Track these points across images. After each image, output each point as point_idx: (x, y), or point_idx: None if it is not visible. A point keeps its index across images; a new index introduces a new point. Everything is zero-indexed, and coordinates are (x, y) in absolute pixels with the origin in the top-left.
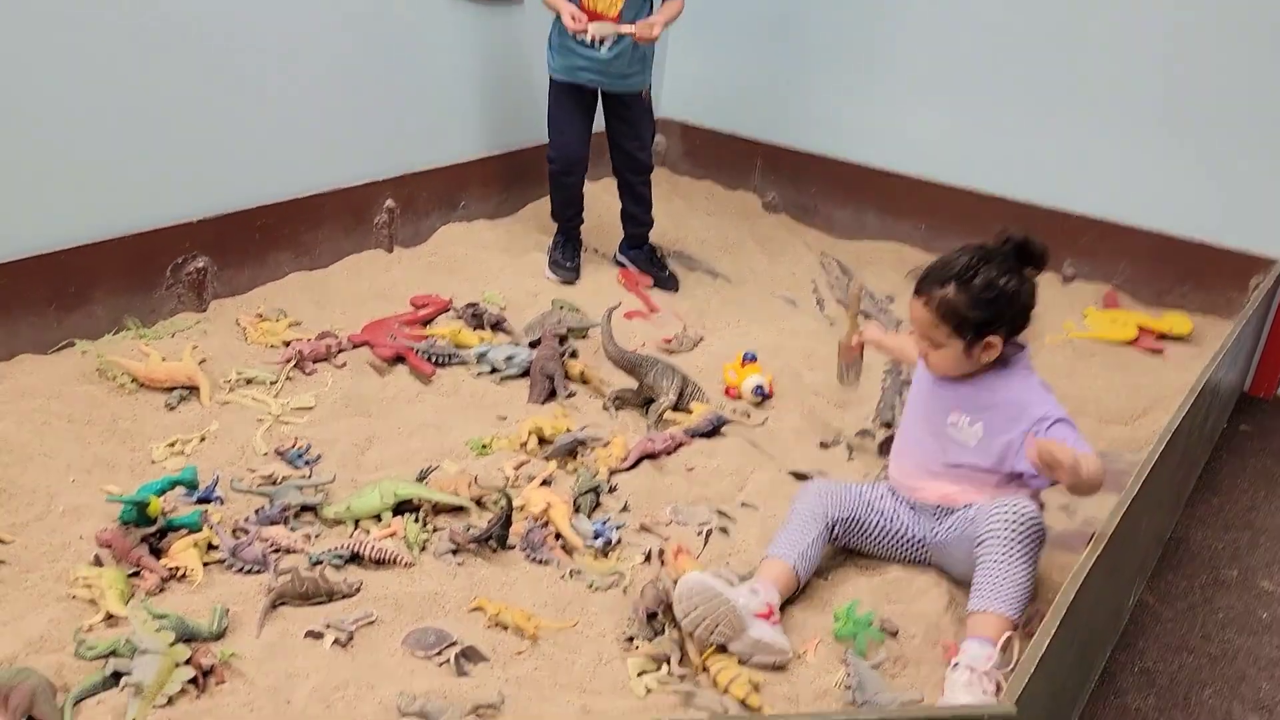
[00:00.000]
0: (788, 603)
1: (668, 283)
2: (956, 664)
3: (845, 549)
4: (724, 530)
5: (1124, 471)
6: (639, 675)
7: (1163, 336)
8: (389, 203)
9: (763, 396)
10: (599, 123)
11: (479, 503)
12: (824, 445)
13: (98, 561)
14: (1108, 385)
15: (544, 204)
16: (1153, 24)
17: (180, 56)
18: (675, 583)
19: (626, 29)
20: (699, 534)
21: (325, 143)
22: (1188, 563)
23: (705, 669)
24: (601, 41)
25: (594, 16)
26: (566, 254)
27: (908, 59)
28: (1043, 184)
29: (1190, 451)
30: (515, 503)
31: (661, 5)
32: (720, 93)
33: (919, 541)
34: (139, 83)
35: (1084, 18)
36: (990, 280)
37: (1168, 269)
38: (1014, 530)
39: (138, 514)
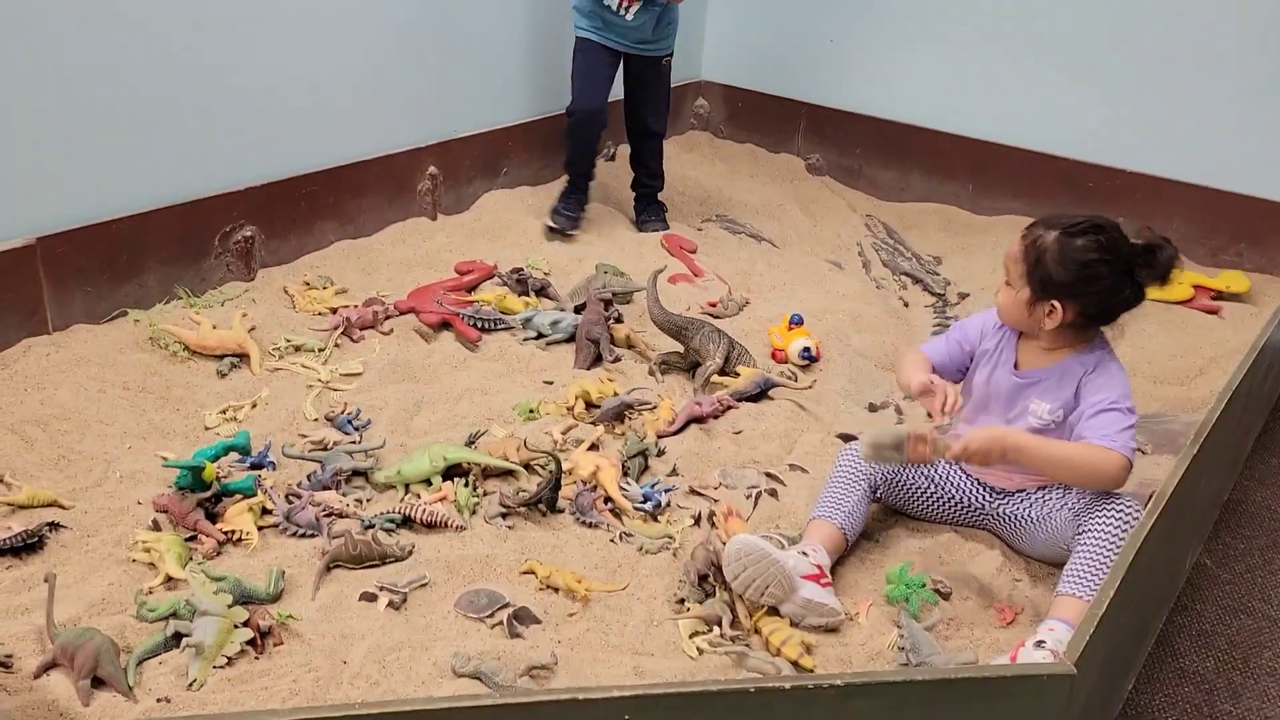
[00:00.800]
0: (838, 564)
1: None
2: (1042, 642)
3: (894, 510)
4: (772, 493)
5: (1180, 433)
6: (691, 637)
7: (1219, 295)
8: (431, 169)
9: (810, 359)
10: (618, 89)
11: (528, 467)
12: (873, 407)
13: (155, 526)
14: (1162, 346)
15: None
16: None
17: (222, 26)
18: (725, 545)
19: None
20: (748, 497)
21: (367, 110)
22: (1246, 525)
23: (757, 631)
24: (629, 6)
25: None
26: (569, 204)
27: (952, 13)
28: (1092, 141)
29: (1248, 412)
30: (564, 466)
31: None
32: (762, 54)
33: (975, 509)
34: (183, 53)
35: None
36: (1091, 252)
37: (1223, 225)
38: (1122, 531)
39: (193, 479)
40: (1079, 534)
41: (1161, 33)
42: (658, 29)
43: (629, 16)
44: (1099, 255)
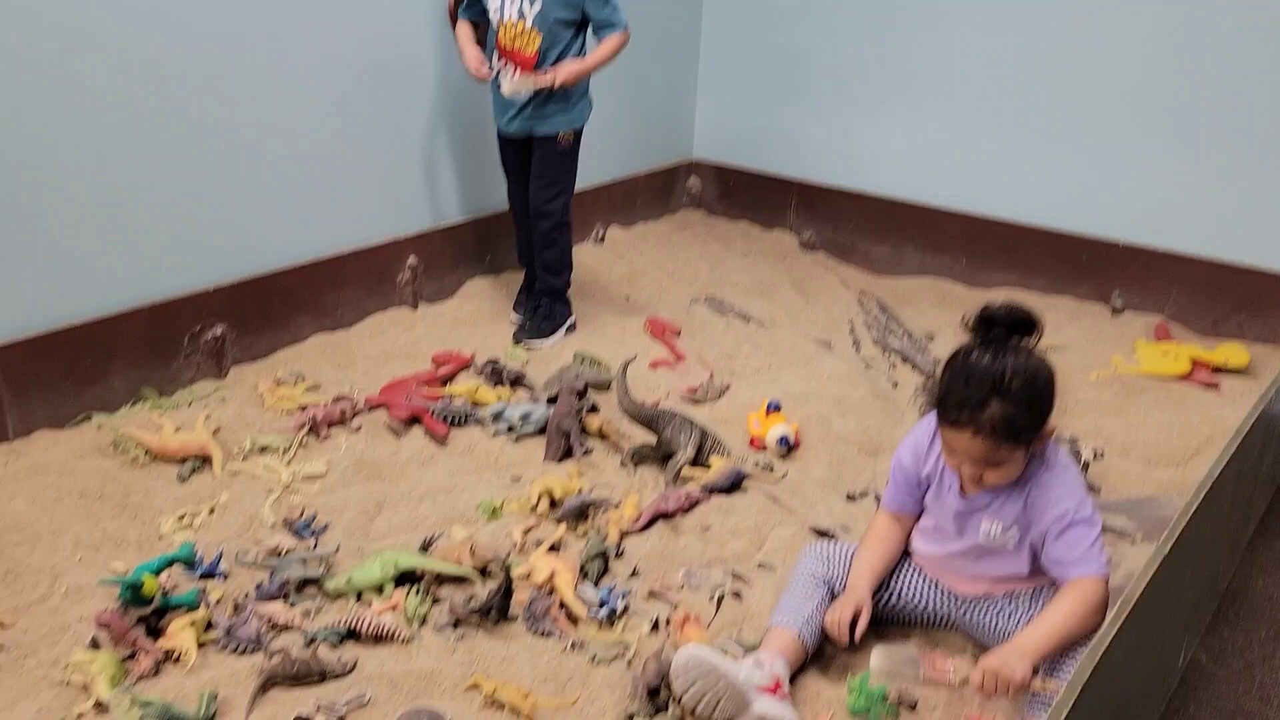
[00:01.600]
0: (799, 672)
1: (525, 333)
2: None
3: None
4: (737, 595)
5: (1170, 519)
6: None
7: (1218, 369)
8: (412, 260)
9: (788, 447)
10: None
11: (484, 571)
12: (850, 498)
13: (95, 644)
14: (1158, 424)
15: (575, 254)
16: (1195, 49)
17: (192, 123)
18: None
19: (544, 80)
20: (711, 599)
21: (345, 203)
22: (1246, 616)
23: None
24: (504, 72)
25: (511, 55)
26: (518, 301)
27: (942, 89)
28: (1086, 213)
29: (1245, 493)
30: (520, 570)
31: (597, 46)
32: (752, 132)
33: (941, 614)
34: (152, 152)
35: (1125, 42)
36: (1025, 375)
37: (1222, 297)
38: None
39: (134, 595)
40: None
41: (1154, 104)
42: (547, 103)
43: (504, 87)
44: (1025, 368)
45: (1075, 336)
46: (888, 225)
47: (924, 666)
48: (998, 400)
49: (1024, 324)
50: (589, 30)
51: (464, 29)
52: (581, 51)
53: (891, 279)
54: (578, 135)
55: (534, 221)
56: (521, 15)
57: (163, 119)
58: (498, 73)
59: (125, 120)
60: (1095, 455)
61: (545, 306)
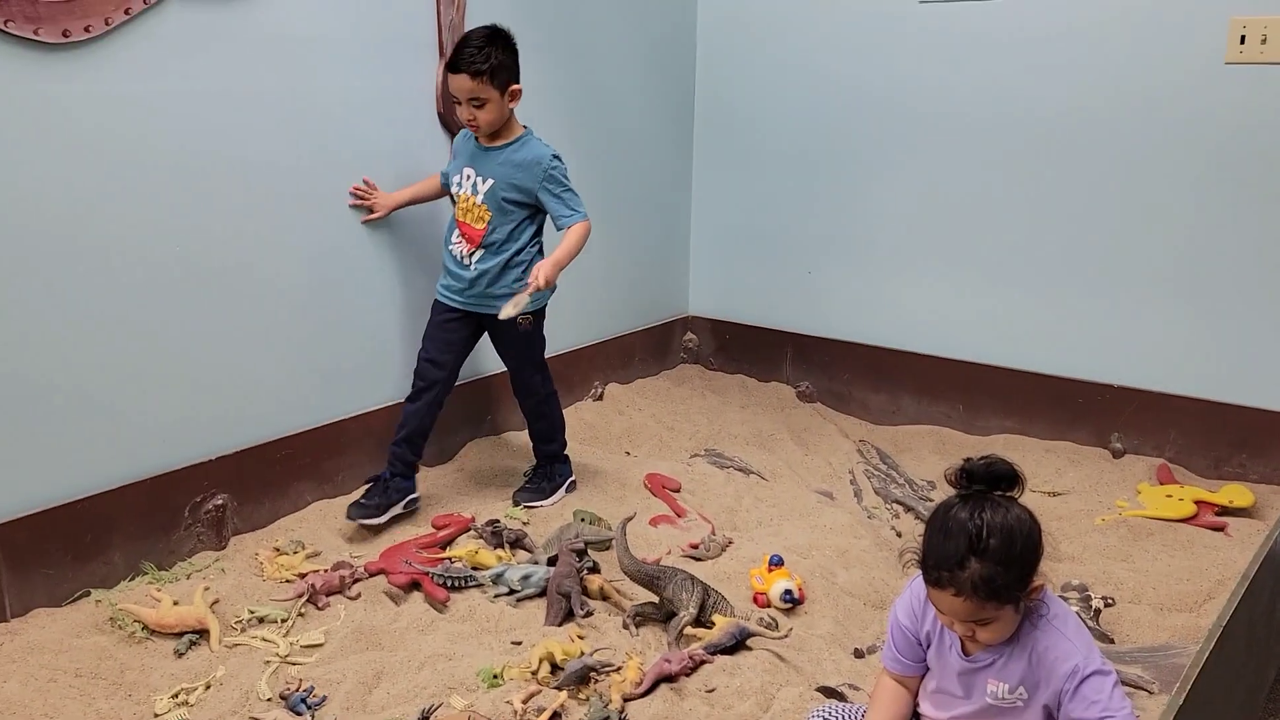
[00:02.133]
0: None
1: (525, 494)
2: None
3: None
4: None
5: (1184, 667)
6: None
7: (1224, 510)
8: None
9: (792, 602)
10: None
11: None
12: (858, 654)
13: None
14: (1167, 569)
15: (574, 412)
16: (1181, 194)
17: (185, 296)
18: None
19: (530, 289)
20: None
21: (343, 370)
22: None
23: None
24: (470, 252)
25: (462, 228)
26: (372, 491)
27: (933, 241)
28: (1081, 357)
29: (1260, 637)
30: None
31: (562, 238)
32: (744, 287)
33: None
34: (148, 325)
35: (1113, 189)
36: (1003, 532)
37: (1222, 437)
38: None
39: None
40: None
41: (1146, 248)
42: (504, 273)
43: (472, 265)
44: (1006, 524)
45: (1077, 481)
46: (883, 374)
47: None
48: (975, 559)
49: (1004, 477)
50: (546, 218)
51: (426, 182)
52: (537, 237)
53: (889, 427)
54: (537, 317)
55: (520, 400)
56: (475, 190)
57: (156, 293)
58: (461, 256)
59: (120, 297)
60: (1105, 603)
61: (545, 468)
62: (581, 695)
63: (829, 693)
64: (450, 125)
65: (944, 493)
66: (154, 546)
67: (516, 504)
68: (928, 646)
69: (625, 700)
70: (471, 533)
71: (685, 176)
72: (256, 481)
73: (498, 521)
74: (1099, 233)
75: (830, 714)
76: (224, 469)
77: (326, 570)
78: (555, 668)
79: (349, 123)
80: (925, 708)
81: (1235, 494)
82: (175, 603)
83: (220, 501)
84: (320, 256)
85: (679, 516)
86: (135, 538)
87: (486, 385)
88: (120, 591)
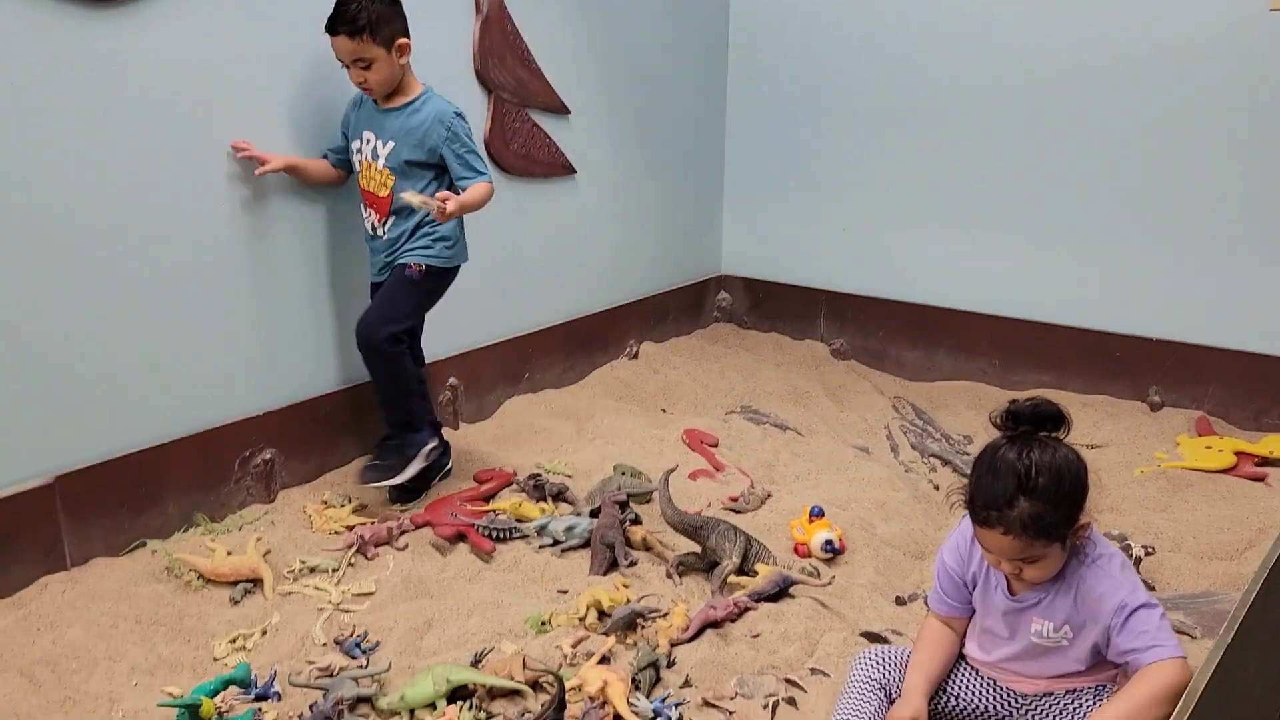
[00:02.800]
0: None
1: (372, 473)
2: None
3: None
4: (791, 701)
5: (1228, 613)
6: None
7: (1264, 461)
8: (452, 380)
9: (833, 552)
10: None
11: (535, 685)
12: (899, 601)
13: None
14: (1207, 518)
15: (610, 370)
16: (1222, 146)
17: (231, 255)
18: None
19: (431, 203)
20: (765, 706)
21: None
22: None
23: None
24: (381, 221)
25: (367, 197)
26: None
27: (968, 194)
28: (1119, 310)
29: None
30: (572, 682)
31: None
32: (778, 245)
33: (1002, 718)
34: (198, 286)
35: (1152, 140)
36: (1051, 471)
37: (1262, 389)
38: None
39: (191, 717)
40: None
41: (1183, 197)
42: (414, 238)
43: (383, 234)
44: (1053, 463)
45: (1115, 434)
46: (918, 331)
47: None
48: (1025, 498)
49: (1050, 418)
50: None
51: (313, 160)
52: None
53: (925, 384)
54: (430, 273)
55: (360, 350)
56: (375, 156)
57: (203, 254)
58: (372, 227)
59: (164, 254)
60: (1146, 552)
61: (395, 440)
62: (629, 640)
63: (872, 637)
64: (488, 83)
65: (981, 446)
66: (206, 499)
67: (364, 482)
68: (973, 588)
69: (672, 645)
70: (514, 486)
71: (718, 135)
72: (302, 437)
73: (539, 475)
74: (1138, 186)
75: (875, 656)
76: (271, 424)
77: (374, 522)
78: (602, 614)
79: None
80: (970, 649)
81: (1276, 445)
82: (229, 553)
83: (268, 456)
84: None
85: (718, 471)
86: (188, 490)
87: (524, 343)
88: (174, 542)
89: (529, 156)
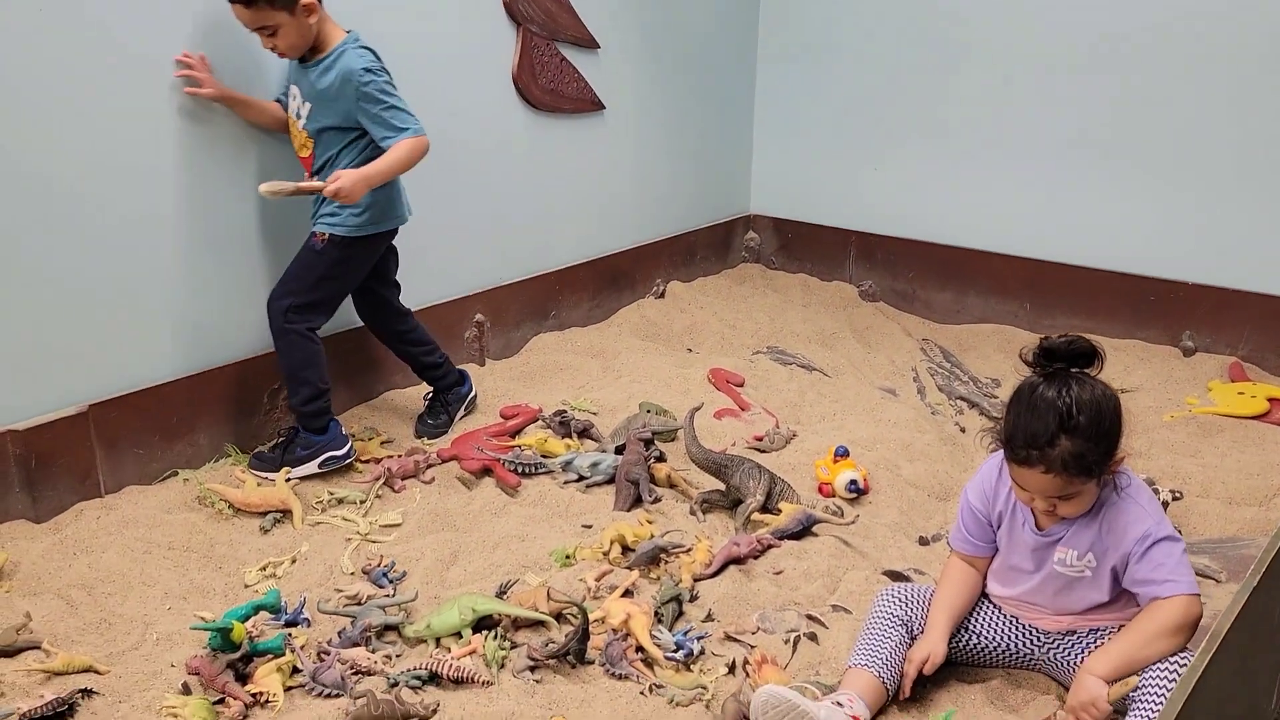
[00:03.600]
0: (878, 713)
1: (255, 461)
2: None
3: None
4: (813, 637)
5: (1253, 559)
6: None
7: None
8: (479, 316)
9: (857, 492)
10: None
11: (559, 616)
12: (923, 541)
13: (186, 689)
14: (1237, 464)
15: (637, 309)
16: (1261, 86)
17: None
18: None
19: (312, 186)
20: (787, 641)
21: (413, 262)
22: None
23: None
24: (273, 193)
25: (299, 157)
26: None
27: (997, 134)
28: (1153, 254)
29: None
30: (595, 614)
31: (388, 152)
32: (808, 185)
33: (1024, 654)
34: (229, 216)
35: (1186, 80)
36: (1092, 408)
37: None
38: (1171, 684)
39: (223, 640)
40: (1134, 690)
41: (1217, 141)
42: (325, 203)
43: (261, 185)
44: (1093, 401)
45: (1146, 379)
46: (948, 272)
47: None
48: (1066, 436)
49: (1085, 355)
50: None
51: (267, 103)
52: (360, 156)
53: (954, 326)
54: (336, 243)
55: (270, 316)
56: (299, 115)
57: (233, 182)
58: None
59: (200, 187)
60: (1174, 496)
61: (295, 428)
62: (652, 575)
63: (894, 576)
64: (516, 15)
65: (1010, 390)
66: (236, 430)
67: (250, 467)
68: (998, 526)
69: (695, 580)
70: (540, 422)
71: (749, 72)
72: (330, 370)
73: (565, 412)
74: (1173, 127)
75: (897, 593)
76: None
77: (401, 456)
78: (626, 549)
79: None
80: (993, 586)
81: None
82: (259, 484)
83: None
84: None
85: (743, 410)
86: (219, 421)
87: (551, 281)
88: (206, 471)
89: (557, 92)
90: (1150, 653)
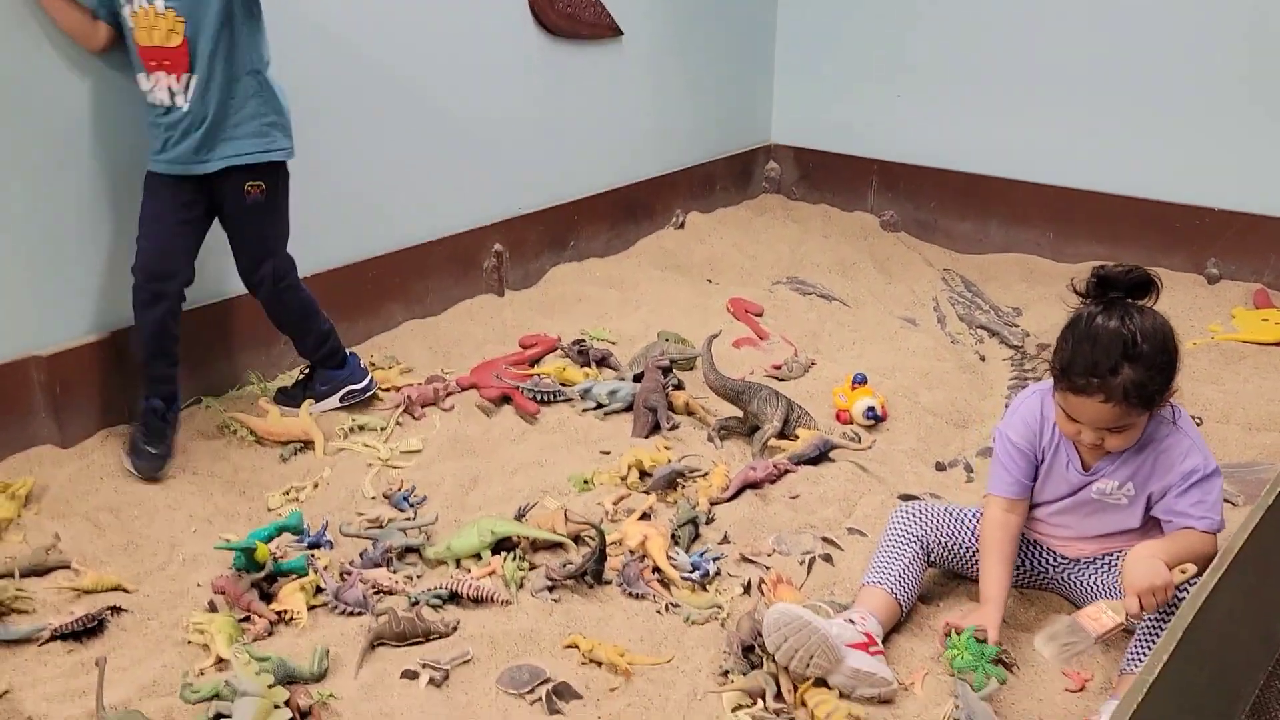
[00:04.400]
0: (892, 631)
1: (294, 398)
2: None
3: (953, 574)
4: (828, 559)
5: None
6: (734, 710)
7: None
8: (497, 247)
9: (875, 419)
10: None
11: (576, 538)
12: (940, 467)
13: (212, 608)
14: (1258, 390)
15: (656, 240)
16: (1276, 10)
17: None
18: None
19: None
20: (802, 563)
21: (430, 192)
22: None
23: (804, 703)
24: (176, 87)
25: (155, 56)
26: (150, 429)
27: (1020, 62)
28: (1178, 180)
29: None
30: (613, 537)
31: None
32: (830, 114)
33: (1039, 573)
34: None
35: (1214, 5)
36: (1155, 337)
37: None
38: (1182, 598)
39: (247, 560)
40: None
41: (1242, 64)
42: (230, 125)
43: (185, 103)
44: (1155, 332)
45: (1169, 306)
46: (970, 201)
47: (1090, 628)
48: (1129, 365)
49: (1142, 285)
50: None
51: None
52: (259, 33)
53: (976, 256)
54: (269, 176)
55: (258, 293)
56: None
57: None
58: (169, 96)
59: None
60: (1195, 422)
61: (309, 370)
62: (670, 499)
63: (908, 499)
64: None
65: (1031, 319)
66: (257, 358)
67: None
68: (1041, 462)
69: (712, 504)
70: (558, 351)
71: None
72: (349, 300)
73: (584, 341)
74: (1198, 52)
75: (911, 511)
76: (317, 287)
77: (421, 384)
78: (643, 474)
79: None
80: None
81: None
82: (282, 414)
83: None
84: (423, 72)
85: (762, 339)
86: (240, 349)
87: (569, 211)
88: (229, 399)
89: (574, 17)
90: (1192, 554)
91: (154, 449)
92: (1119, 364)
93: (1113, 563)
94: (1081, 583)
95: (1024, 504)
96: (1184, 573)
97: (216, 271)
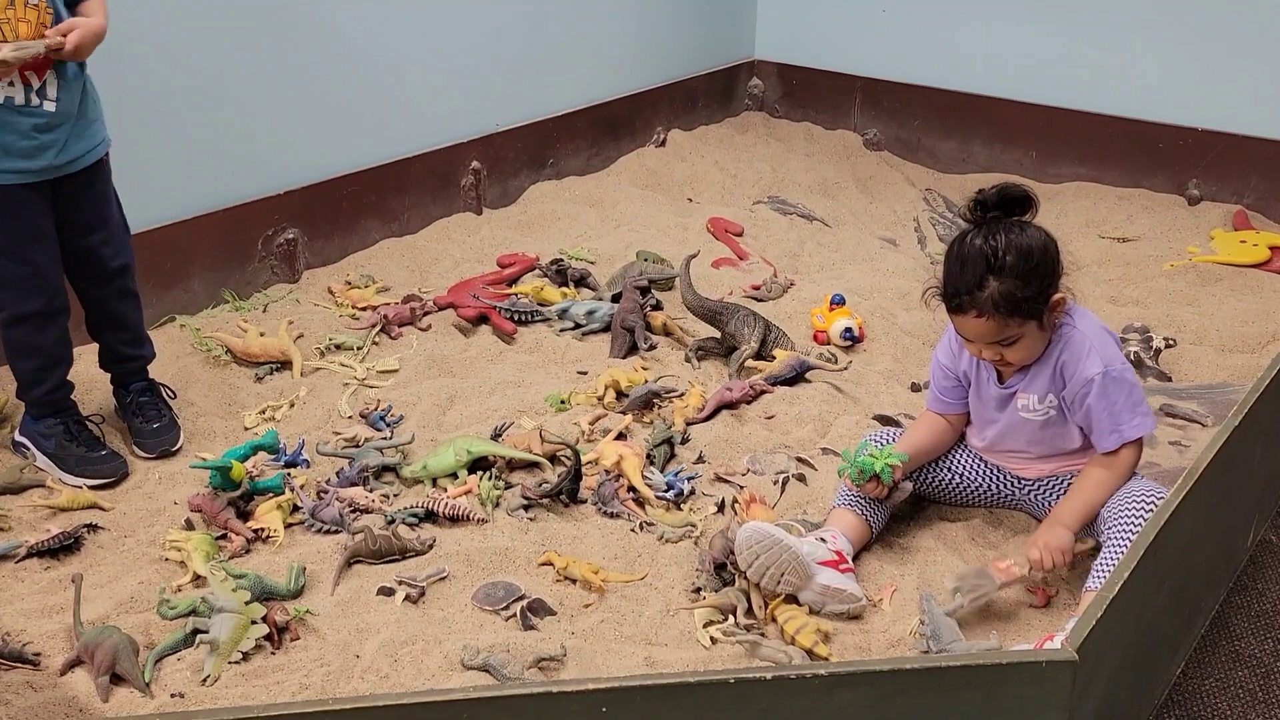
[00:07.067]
0: (862, 550)
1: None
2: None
3: (923, 496)
4: (801, 478)
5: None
6: (705, 626)
7: None
8: (475, 164)
9: (852, 340)
10: None
11: (552, 458)
12: (915, 388)
13: (189, 525)
14: (1234, 311)
15: (636, 158)
16: None
17: (255, 32)
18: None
19: (53, 41)
20: (775, 483)
21: (408, 108)
22: None
23: (774, 619)
24: (43, 87)
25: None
26: (83, 440)
27: None
28: (1162, 99)
29: None
30: (588, 456)
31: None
32: (814, 29)
33: (1004, 495)
34: (221, 61)
35: None
36: (1018, 249)
37: None
38: (1146, 517)
39: (223, 479)
40: (1107, 526)
41: None
42: (81, 117)
43: (50, 102)
44: (1019, 242)
45: (1149, 227)
46: (954, 120)
47: (996, 575)
48: (993, 277)
49: (1017, 202)
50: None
51: None
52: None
53: (958, 176)
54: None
55: (96, 290)
56: None
57: (230, 29)
58: (25, 95)
59: (194, 31)
60: (1167, 344)
61: (148, 395)
62: (646, 419)
63: (885, 420)
64: None
65: None
66: (231, 277)
67: (151, 454)
68: (969, 385)
69: (688, 424)
70: (536, 271)
71: None
72: (325, 217)
73: (562, 260)
74: None
75: (883, 437)
76: (293, 203)
77: (397, 303)
78: (620, 394)
79: None
80: (974, 441)
81: None
82: (261, 334)
83: (291, 236)
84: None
85: (741, 259)
86: (213, 268)
87: (549, 127)
88: (203, 318)
89: None
90: (1104, 495)
91: (105, 449)
92: (984, 278)
93: (1068, 482)
94: (1043, 503)
95: (955, 416)
96: (1084, 544)
97: (181, 189)
